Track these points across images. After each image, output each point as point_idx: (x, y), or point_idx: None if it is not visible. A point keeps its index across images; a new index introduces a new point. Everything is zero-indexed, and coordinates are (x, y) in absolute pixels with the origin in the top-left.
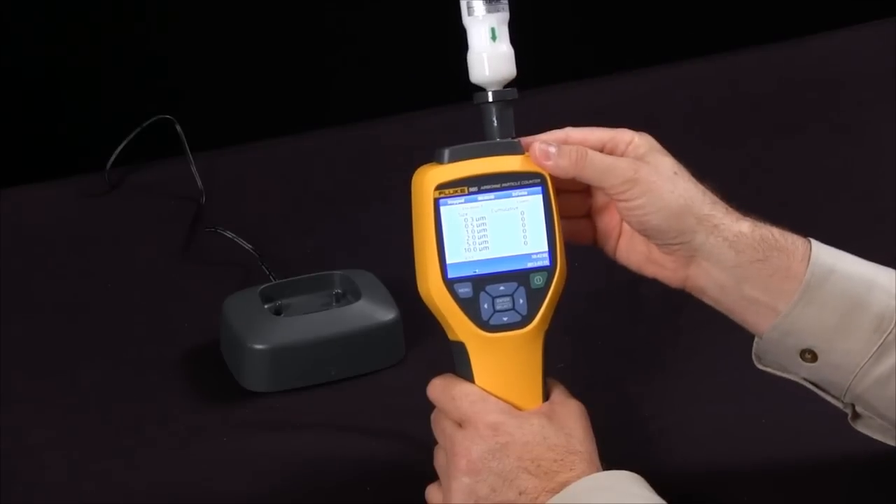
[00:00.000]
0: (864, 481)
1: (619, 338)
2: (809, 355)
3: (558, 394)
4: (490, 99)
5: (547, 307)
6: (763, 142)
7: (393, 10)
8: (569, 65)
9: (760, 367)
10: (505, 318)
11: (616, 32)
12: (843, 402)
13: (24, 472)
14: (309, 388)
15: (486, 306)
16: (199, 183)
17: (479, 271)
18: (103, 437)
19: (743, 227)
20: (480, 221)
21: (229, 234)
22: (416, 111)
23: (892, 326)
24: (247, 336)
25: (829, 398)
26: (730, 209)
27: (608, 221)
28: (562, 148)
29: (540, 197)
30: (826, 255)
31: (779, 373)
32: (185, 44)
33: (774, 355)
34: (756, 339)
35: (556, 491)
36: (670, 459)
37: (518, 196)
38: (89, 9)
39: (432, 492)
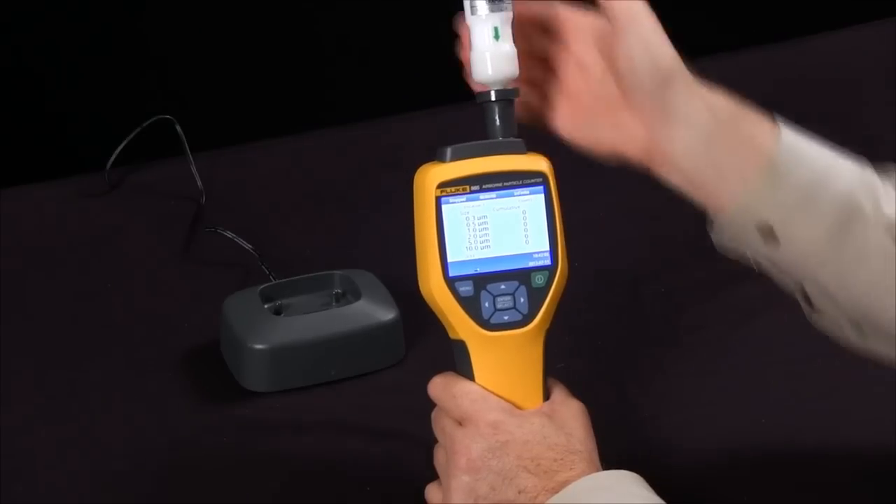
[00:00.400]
0: (863, 481)
1: (619, 338)
2: (769, 234)
3: (559, 393)
4: (493, 98)
5: (548, 306)
6: None
7: (393, 10)
8: None
9: (719, 245)
10: (506, 317)
11: None
12: (801, 287)
13: (24, 472)
14: (309, 388)
15: (486, 305)
16: (199, 183)
17: (480, 270)
18: (103, 436)
19: (717, 93)
20: (482, 220)
21: (229, 234)
22: (416, 111)
23: (852, 208)
24: (247, 336)
25: (785, 283)
26: (703, 79)
27: (570, 87)
28: None
29: (542, 196)
30: (793, 137)
31: (737, 250)
32: (185, 44)
33: (734, 232)
34: (716, 220)
35: (555, 490)
36: (670, 459)
37: (520, 195)
38: (89, 8)
39: (432, 491)
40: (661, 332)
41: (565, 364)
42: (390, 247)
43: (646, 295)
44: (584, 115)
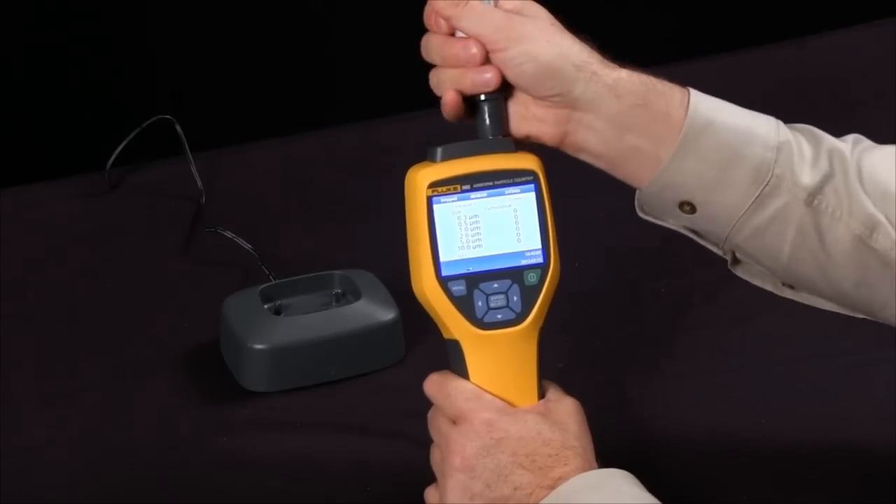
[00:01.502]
0: (863, 481)
1: (619, 338)
2: (688, 207)
3: (554, 392)
4: (482, 97)
5: (541, 304)
6: None
7: (394, 10)
8: None
9: (642, 215)
10: (499, 316)
11: (615, 32)
12: (722, 249)
13: (24, 472)
14: (309, 388)
15: (480, 304)
16: (199, 183)
17: (472, 269)
18: (103, 436)
19: (622, 73)
20: (474, 219)
21: (229, 234)
22: (416, 111)
23: (768, 177)
24: (247, 336)
25: (708, 245)
26: (606, 59)
27: None
28: None
29: (533, 194)
30: (705, 107)
31: (660, 222)
32: (185, 44)
33: (654, 207)
34: (637, 191)
35: (550, 486)
36: (670, 459)
37: (511, 193)
38: (89, 9)
39: (430, 492)
40: (661, 332)
41: (565, 364)
42: (390, 247)
43: (646, 295)
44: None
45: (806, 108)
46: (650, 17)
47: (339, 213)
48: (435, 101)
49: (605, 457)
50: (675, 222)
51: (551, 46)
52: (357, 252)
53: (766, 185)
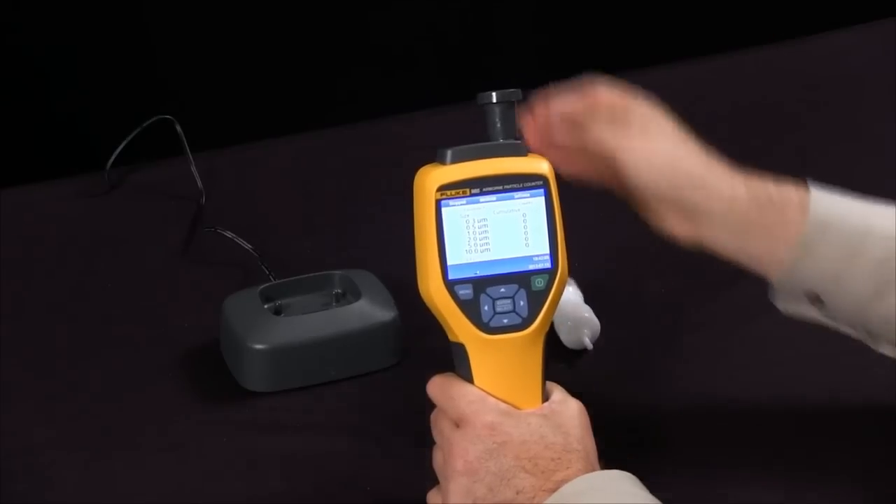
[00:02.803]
0: (864, 481)
1: (619, 338)
2: (816, 301)
3: (558, 394)
4: (494, 100)
5: (548, 309)
6: (763, 142)
7: (394, 10)
8: (569, 65)
9: (781, 308)
10: (505, 321)
11: (615, 32)
12: (854, 333)
13: (24, 472)
14: (309, 388)
15: (486, 308)
16: (199, 183)
17: (479, 273)
18: (103, 436)
19: (737, 190)
20: (482, 223)
21: (229, 234)
22: (416, 111)
23: (893, 265)
24: (247, 336)
25: (846, 331)
26: (725, 170)
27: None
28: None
29: (542, 199)
30: (823, 208)
31: (796, 317)
32: (185, 44)
33: (786, 301)
34: (769, 288)
35: (552, 490)
36: (670, 460)
37: (520, 198)
38: (90, 8)
39: (432, 495)
40: (661, 332)
41: (565, 364)
42: (390, 247)
43: (646, 295)
44: (645, 209)
45: (806, 109)
46: (649, 17)
47: (339, 213)
48: (436, 100)
49: (606, 457)
50: (809, 316)
51: (667, 166)
52: (357, 252)
53: (890, 273)
